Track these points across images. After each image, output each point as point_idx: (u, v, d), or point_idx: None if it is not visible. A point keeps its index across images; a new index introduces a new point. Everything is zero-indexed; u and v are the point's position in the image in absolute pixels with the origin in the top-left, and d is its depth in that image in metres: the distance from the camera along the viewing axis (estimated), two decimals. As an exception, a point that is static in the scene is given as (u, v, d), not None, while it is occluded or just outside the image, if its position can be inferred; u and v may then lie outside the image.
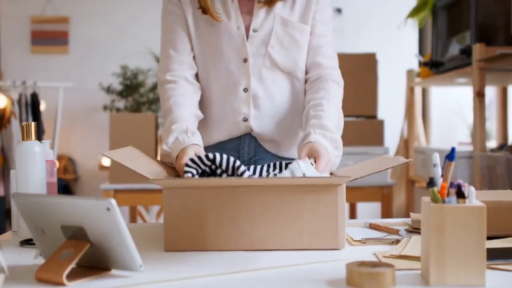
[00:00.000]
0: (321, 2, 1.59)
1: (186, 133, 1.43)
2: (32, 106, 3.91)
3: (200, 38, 1.57)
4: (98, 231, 0.97)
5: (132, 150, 1.36)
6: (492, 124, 4.04)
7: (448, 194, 0.95)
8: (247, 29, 1.55)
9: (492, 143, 3.87)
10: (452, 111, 4.84)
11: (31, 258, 1.12)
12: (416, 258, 1.07)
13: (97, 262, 1.02)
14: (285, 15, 1.56)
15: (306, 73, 1.62)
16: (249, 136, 1.60)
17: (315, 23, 1.59)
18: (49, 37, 5.00)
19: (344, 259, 1.11)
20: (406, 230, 1.33)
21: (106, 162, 4.51)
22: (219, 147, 1.61)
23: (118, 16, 5.05)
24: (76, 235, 1.00)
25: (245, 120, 1.57)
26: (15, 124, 3.83)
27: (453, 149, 0.96)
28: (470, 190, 0.94)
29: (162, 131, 1.51)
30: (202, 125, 1.60)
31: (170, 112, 1.50)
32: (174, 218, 1.18)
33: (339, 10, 5.02)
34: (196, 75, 1.60)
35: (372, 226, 1.39)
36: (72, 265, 0.97)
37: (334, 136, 1.48)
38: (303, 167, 1.29)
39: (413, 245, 1.16)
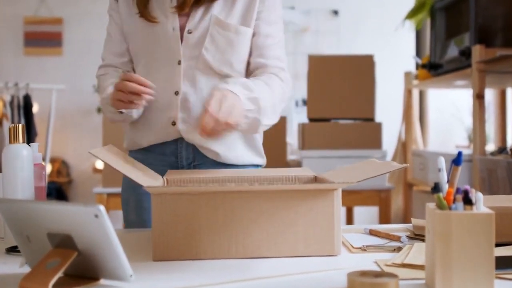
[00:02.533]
0: (266, 2, 1.54)
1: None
2: (24, 108, 3.85)
3: (137, 38, 1.57)
4: (86, 239, 0.93)
5: (113, 148, 1.32)
6: (490, 127, 4.00)
7: (454, 201, 0.90)
8: (182, 30, 1.52)
9: (490, 146, 3.83)
10: (450, 114, 4.81)
11: (16, 266, 1.07)
12: (420, 267, 1.03)
13: (85, 271, 0.97)
14: (222, 16, 1.51)
15: (250, 74, 1.57)
16: (186, 141, 1.57)
17: (260, 23, 1.54)
18: (43, 38, 4.94)
19: (344, 267, 1.06)
20: (407, 236, 1.29)
21: (99, 165, 4.45)
22: (158, 152, 1.59)
23: (112, 17, 5.00)
24: (63, 243, 0.95)
25: (173, 124, 1.54)
26: (7, 127, 3.78)
27: (459, 153, 0.91)
28: (477, 196, 0.90)
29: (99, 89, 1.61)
30: (134, 129, 1.60)
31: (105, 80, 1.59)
32: (163, 226, 1.13)
33: (335, 12, 4.98)
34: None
35: (372, 232, 1.35)
36: (59, 274, 0.92)
37: (253, 93, 1.41)
38: None
39: (416, 253, 1.12)
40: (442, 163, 0.95)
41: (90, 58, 4.97)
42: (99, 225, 0.90)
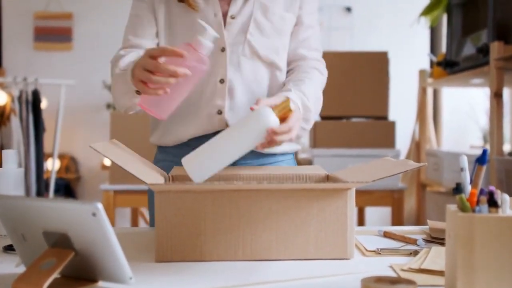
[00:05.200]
0: None
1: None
2: (33, 103, 3.80)
3: (173, 27, 1.48)
4: (84, 239, 0.88)
5: (116, 143, 1.26)
6: (506, 127, 3.91)
7: (478, 202, 0.83)
8: (225, 16, 1.46)
9: (506, 147, 3.74)
10: (464, 113, 4.73)
11: (13, 265, 1.03)
12: (439, 273, 0.96)
13: (82, 273, 0.93)
14: (265, 1, 1.47)
15: (289, 65, 1.54)
16: None
17: (302, 13, 1.51)
18: (53, 33, 4.91)
19: (358, 272, 1.00)
20: (424, 239, 1.22)
21: (108, 161, 4.41)
22: (195, 145, 1.47)
23: (122, 12, 4.93)
24: (60, 242, 0.90)
25: (220, 113, 1.47)
26: (15, 122, 3.73)
27: (484, 151, 0.85)
28: (503, 198, 0.83)
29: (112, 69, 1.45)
30: (174, 121, 1.49)
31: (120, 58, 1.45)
32: (167, 225, 1.07)
33: (348, 9, 4.91)
34: None
35: (387, 235, 1.28)
36: (54, 276, 0.87)
37: (309, 104, 1.41)
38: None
39: (434, 257, 1.05)
40: (465, 162, 0.88)
41: (100, 54, 4.94)
42: (97, 224, 0.85)
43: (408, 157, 3.96)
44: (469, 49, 2.96)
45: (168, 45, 1.43)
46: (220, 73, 1.46)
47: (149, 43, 1.49)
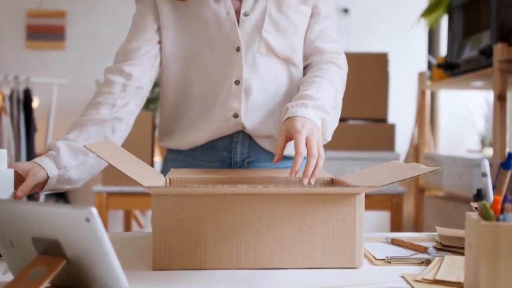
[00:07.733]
0: None
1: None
2: (24, 102, 3.73)
3: (181, 30, 1.42)
4: (76, 246, 0.82)
5: (111, 143, 1.21)
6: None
7: (502, 210, 0.78)
8: (237, 13, 1.40)
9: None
10: (461, 117, 4.69)
11: (0, 273, 0.98)
12: (456, 284, 0.90)
13: (74, 282, 0.87)
14: None
15: (306, 59, 1.48)
16: (242, 134, 1.45)
17: (318, 3, 1.46)
18: (45, 32, 4.83)
19: (368, 282, 0.94)
20: (434, 247, 1.16)
21: (101, 162, 4.34)
22: (209, 147, 1.46)
23: (116, 11, 4.89)
24: (50, 249, 0.85)
25: (236, 116, 1.41)
26: (5, 121, 3.66)
27: (510, 155, 0.79)
28: (530, 206, 0.77)
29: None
30: (189, 125, 1.45)
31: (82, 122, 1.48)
32: (164, 231, 1.01)
33: (346, 10, 4.86)
34: (154, 64, 1.45)
35: (395, 242, 1.22)
36: (44, 286, 0.81)
37: (318, 102, 1.30)
38: None
39: (448, 267, 0.99)
40: (487, 166, 0.82)
41: (93, 53, 4.87)
42: (90, 230, 0.79)
43: (406, 160, 3.91)
44: (470, 52, 2.91)
45: (178, 40, 1.42)
46: (235, 74, 1.41)
47: (143, 46, 1.43)
